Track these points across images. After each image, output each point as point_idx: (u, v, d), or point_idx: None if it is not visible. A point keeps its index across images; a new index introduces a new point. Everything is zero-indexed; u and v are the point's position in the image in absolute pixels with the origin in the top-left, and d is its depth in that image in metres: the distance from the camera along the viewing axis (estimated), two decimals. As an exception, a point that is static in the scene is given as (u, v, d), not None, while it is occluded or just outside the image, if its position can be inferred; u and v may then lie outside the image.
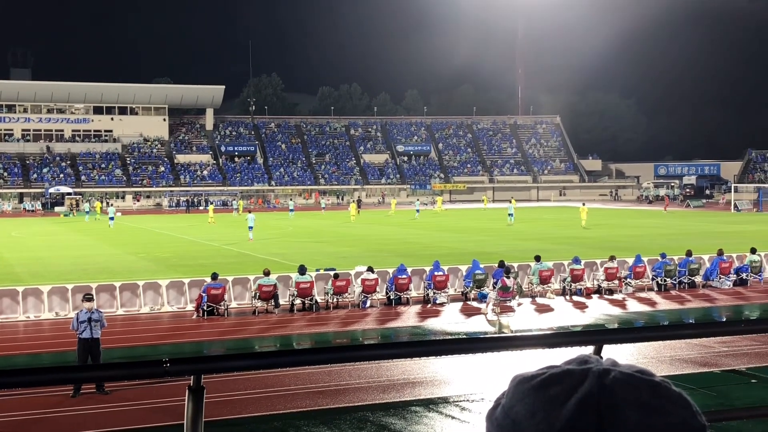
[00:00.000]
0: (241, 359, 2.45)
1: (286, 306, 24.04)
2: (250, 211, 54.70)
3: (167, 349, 19.47)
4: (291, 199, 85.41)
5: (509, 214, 61.86)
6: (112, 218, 63.56)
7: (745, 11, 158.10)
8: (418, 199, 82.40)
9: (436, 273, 25.07)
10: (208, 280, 23.68)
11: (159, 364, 2.52)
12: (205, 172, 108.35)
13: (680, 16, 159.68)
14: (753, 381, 15.62)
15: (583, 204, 62.42)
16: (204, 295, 23.16)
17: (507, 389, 1.27)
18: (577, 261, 26.71)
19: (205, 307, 23.11)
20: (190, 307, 23.83)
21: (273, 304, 23.70)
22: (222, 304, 23.34)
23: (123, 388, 15.13)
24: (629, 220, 63.11)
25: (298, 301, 23.97)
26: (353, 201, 76.36)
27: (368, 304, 24.30)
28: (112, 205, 78.08)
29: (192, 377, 2.61)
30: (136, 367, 2.78)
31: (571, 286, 26.15)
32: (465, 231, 53.07)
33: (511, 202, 69.67)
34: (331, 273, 25.20)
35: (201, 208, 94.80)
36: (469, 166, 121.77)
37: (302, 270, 24.38)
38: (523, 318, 22.52)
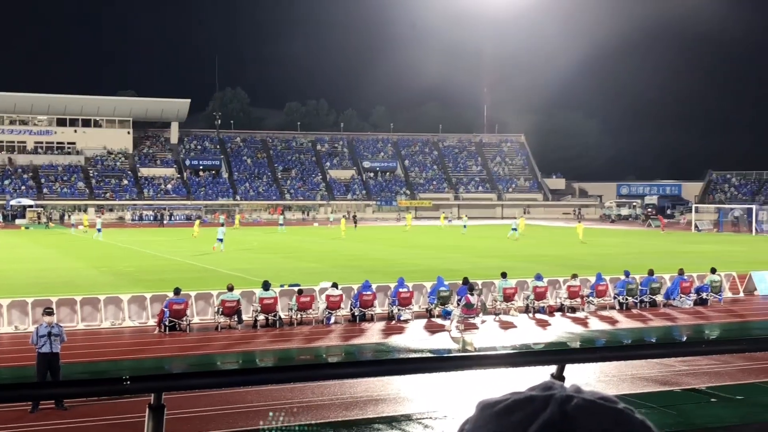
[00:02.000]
0: (201, 377, 2.42)
1: (249, 322, 23.87)
2: (222, 224, 55.58)
3: (128, 365, 19.22)
4: (280, 214, 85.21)
5: (513, 229, 64.83)
6: (99, 230, 63.19)
7: (708, 35, 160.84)
8: (465, 215, 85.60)
9: (400, 289, 25.06)
10: (171, 294, 23.46)
11: (119, 382, 2.50)
12: (169, 186, 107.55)
13: (645, 38, 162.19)
14: (712, 400, 15.79)
15: (579, 221, 69.87)
16: (166, 310, 22.93)
17: (472, 415, 1.27)
18: (539, 278, 26.87)
19: (167, 323, 22.88)
20: (152, 322, 23.58)
21: (236, 319, 23.53)
22: (184, 319, 23.11)
23: (82, 403, 14.90)
24: (592, 238, 63.64)
25: (261, 317, 23.81)
26: (344, 216, 76.39)
27: (332, 320, 24.21)
28: (100, 216, 77.21)
29: (152, 395, 2.58)
30: (95, 384, 2.75)
31: (534, 303, 26.28)
32: (430, 248, 53.17)
33: (516, 218, 74.89)
34: (296, 289, 25.09)
35: (166, 221, 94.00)
36: (435, 183, 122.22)
37: (266, 285, 24.25)
38: (486, 335, 22.58)
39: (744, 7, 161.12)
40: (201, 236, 60.85)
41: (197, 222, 67.91)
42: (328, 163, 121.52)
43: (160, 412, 2.55)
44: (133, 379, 2.47)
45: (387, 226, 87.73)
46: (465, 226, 74.04)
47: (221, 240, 49.30)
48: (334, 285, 24.98)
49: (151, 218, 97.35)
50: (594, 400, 1.19)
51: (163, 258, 44.72)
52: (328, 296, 24.35)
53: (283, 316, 24.07)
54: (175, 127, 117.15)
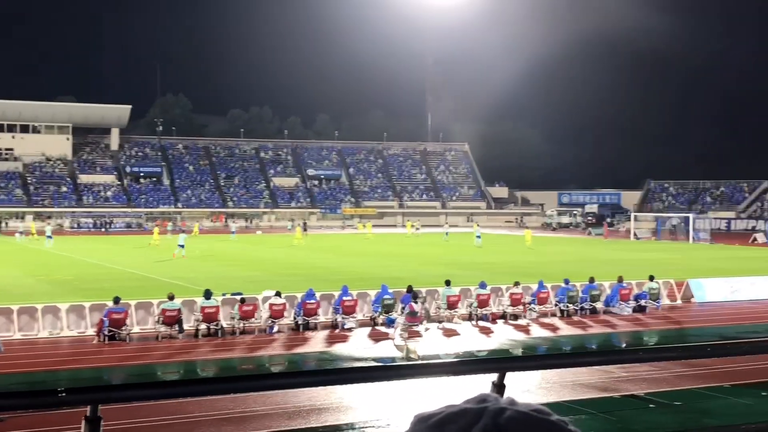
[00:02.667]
0: (138, 389, 2.38)
1: (190, 331, 23.59)
2: (183, 231, 55.78)
3: (66, 375, 18.84)
4: (233, 222, 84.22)
5: (477, 236, 65.92)
6: (50, 237, 61.93)
7: (646, 50, 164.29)
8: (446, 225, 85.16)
9: (344, 298, 25.02)
10: (110, 304, 23.07)
11: (54, 394, 2.44)
12: (109, 193, 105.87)
13: (586, 51, 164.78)
14: (651, 406, 16.06)
15: (528, 228, 74.56)
16: (105, 319, 22.54)
17: (407, 429, 1.28)
18: (483, 286, 27.06)
19: (106, 332, 22.49)
20: (91, 331, 23.15)
21: (177, 329, 23.23)
22: (124, 328, 22.75)
23: (19, 414, 14.55)
24: (534, 246, 64.36)
25: (203, 326, 23.55)
26: (299, 224, 75.90)
27: (275, 329, 24.06)
28: (50, 224, 75.51)
29: (88, 407, 2.53)
30: (30, 396, 2.68)
31: (477, 311, 26.45)
32: (375, 256, 53.21)
33: (474, 226, 75.48)
34: (238, 297, 24.88)
35: (103, 230, 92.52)
36: (379, 191, 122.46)
37: (208, 294, 24.00)
38: (430, 343, 22.65)
39: (680, 24, 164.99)
40: (162, 244, 60.20)
41: (156, 230, 66.60)
42: (271, 171, 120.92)
43: (96, 424, 2.51)
44: (68, 391, 2.42)
45: (343, 234, 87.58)
46: (447, 234, 74.66)
47: (182, 246, 50.15)
48: (278, 293, 24.84)
49: (91, 226, 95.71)
50: (527, 412, 1.20)
51: (104, 266, 43.97)
52: (271, 305, 24.19)
53: (225, 325, 23.84)
54: (115, 133, 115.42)
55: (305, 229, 78.15)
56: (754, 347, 3.53)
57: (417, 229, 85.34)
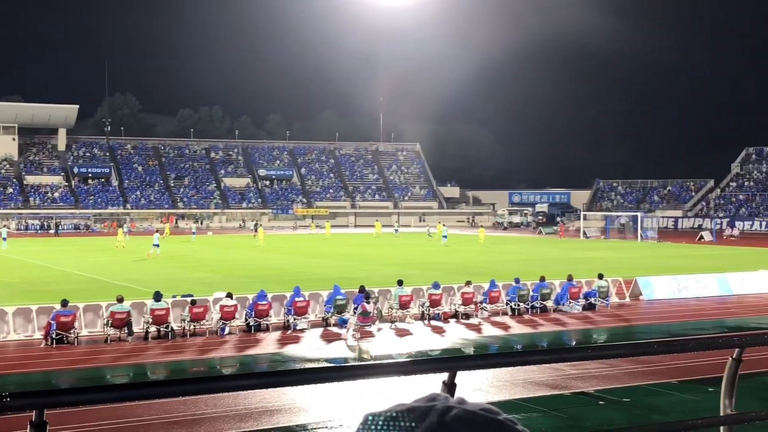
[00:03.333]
0: (85, 393, 2.34)
1: (140, 334, 23.31)
2: (157, 230, 58.15)
3: (13, 380, 18.48)
4: (193, 224, 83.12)
5: (444, 236, 66.71)
6: (4, 239, 60.78)
7: (594, 51, 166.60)
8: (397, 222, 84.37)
9: (296, 299, 24.93)
10: (58, 306, 22.69)
11: (-3, 399, 2.39)
12: (56, 194, 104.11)
13: (536, 53, 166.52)
14: (600, 403, 16.28)
15: (482, 226, 78.27)
16: (53, 322, 22.16)
17: (357, 428, 1.28)
18: (436, 286, 27.16)
19: (54, 335, 22.11)
20: (38, 335, 22.74)
21: (126, 331, 22.94)
22: (72, 332, 22.39)
23: (-39, 422, 14.23)
24: (485, 245, 64.83)
25: (153, 329, 23.29)
26: (260, 224, 75.23)
27: (227, 331, 23.89)
28: (5, 226, 73.68)
29: (34, 412, 2.49)
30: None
31: (429, 310, 26.55)
32: (327, 256, 53.12)
33: (438, 226, 75.34)
34: (188, 299, 24.64)
35: (51, 231, 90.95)
36: (331, 191, 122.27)
37: (158, 296, 23.74)
38: (382, 343, 22.68)
39: (628, 27, 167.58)
40: (127, 245, 59.56)
41: (121, 231, 65.37)
42: (222, 171, 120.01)
43: (42, 429, 2.46)
44: (12, 396, 2.37)
45: (296, 235, 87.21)
46: (445, 236, 66.99)
47: (157, 245, 51.45)
48: (229, 295, 24.67)
49: (38, 227, 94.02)
50: (474, 411, 1.20)
51: (51, 269, 43.23)
52: (222, 306, 24.02)
53: (175, 328, 23.60)
54: (62, 133, 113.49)
55: (256, 229, 77.71)
56: (701, 344, 3.60)
57: (396, 230, 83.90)
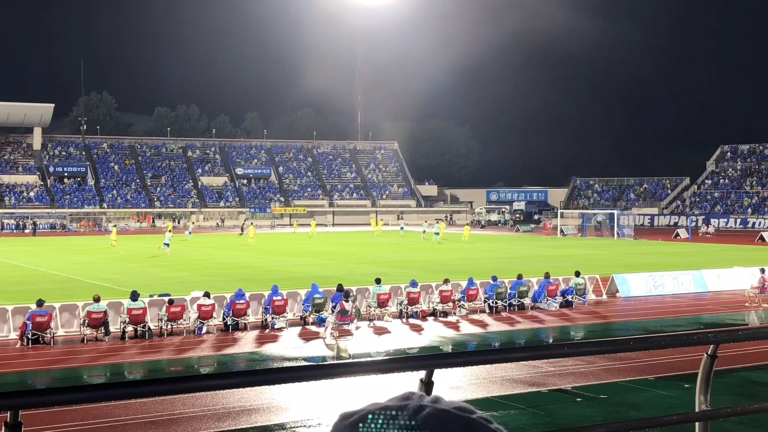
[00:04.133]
0: (60, 393, 2.32)
1: (117, 334, 23.17)
2: (170, 230, 59.39)
3: (-14, 382, 18.29)
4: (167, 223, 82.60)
5: (435, 233, 67.65)
6: None
7: (570, 51, 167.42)
8: (425, 221, 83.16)
9: (274, 297, 24.88)
10: (33, 306, 22.50)
11: (-29, 400, 2.37)
12: (31, 194, 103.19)
13: (513, 51, 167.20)
14: (578, 399, 16.37)
15: (467, 224, 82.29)
16: (29, 322, 21.97)
17: (332, 427, 1.29)
18: (414, 284, 27.19)
19: (29, 336, 21.93)
20: (14, 335, 22.55)
21: (103, 331, 22.79)
22: (48, 332, 22.21)
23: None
24: (463, 243, 65.02)
25: (129, 329, 23.16)
26: (251, 224, 74.93)
27: (204, 330, 23.80)
28: None
29: (9, 412, 2.46)
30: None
31: (407, 309, 26.59)
32: (306, 255, 53.06)
33: (441, 225, 74.93)
34: (166, 299, 24.52)
35: (27, 231, 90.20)
36: (309, 190, 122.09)
37: (134, 296, 23.61)
38: (361, 341, 22.69)
39: (602, 25, 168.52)
40: (119, 245, 59.29)
41: (114, 230, 65.26)
42: (199, 170, 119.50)
43: (17, 430, 2.44)
44: (-15, 397, 2.35)
45: (273, 233, 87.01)
46: (437, 234, 69.25)
47: (167, 244, 53.50)
48: (206, 294, 24.57)
49: (13, 227, 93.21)
50: (447, 410, 1.20)
51: (26, 269, 42.85)
52: (199, 306, 23.92)
53: (152, 327, 23.48)
54: (38, 132, 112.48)
55: (242, 230, 77.52)
56: (677, 341, 3.62)
57: (402, 228, 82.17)
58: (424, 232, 73.64)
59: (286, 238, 75.72)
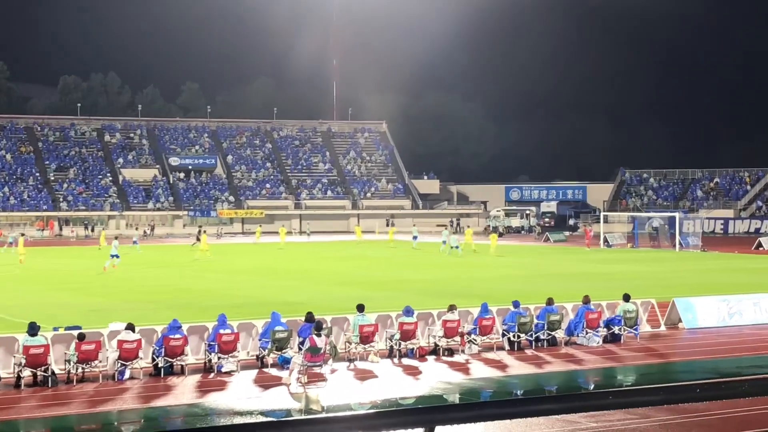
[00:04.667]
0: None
1: (10, 380, 23.07)
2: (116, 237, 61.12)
3: None
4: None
5: (453, 247, 67.80)
6: None
7: (621, 4, 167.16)
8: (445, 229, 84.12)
9: (221, 331, 24.80)
10: None
11: None
12: None
13: (543, 5, 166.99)
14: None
15: (493, 232, 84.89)
16: None
17: None
18: (408, 313, 27.12)
19: None
20: None
21: (-9, 377, 22.69)
22: None
23: None
24: (471, 258, 65.01)
25: (27, 373, 23.05)
26: (204, 231, 75.49)
27: (127, 374, 23.70)
28: None
29: None
30: None
31: (400, 345, 26.53)
32: (264, 273, 52.93)
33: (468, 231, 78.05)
34: (75, 333, 24.42)
35: None
36: (268, 186, 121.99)
37: (33, 329, 23.49)
38: (338, 389, 22.64)
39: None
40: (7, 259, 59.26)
41: (21, 240, 65.39)
42: (120, 160, 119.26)
43: None
44: None
45: (222, 244, 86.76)
46: (415, 237, 76.35)
47: (117, 256, 54.62)
48: (130, 327, 24.46)
49: None
50: None
51: None
52: (120, 342, 23.83)
53: (57, 371, 23.37)
54: None
55: (198, 239, 77.44)
56: (759, 387, 3.61)
57: (415, 238, 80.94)
58: (443, 243, 70.94)
59: (241, 251, 75.58)
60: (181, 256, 67.33)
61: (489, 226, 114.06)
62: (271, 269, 56.17)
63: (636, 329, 29.79)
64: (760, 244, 78.32)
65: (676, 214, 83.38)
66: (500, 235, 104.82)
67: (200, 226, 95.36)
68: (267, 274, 52.24)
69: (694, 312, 32.79)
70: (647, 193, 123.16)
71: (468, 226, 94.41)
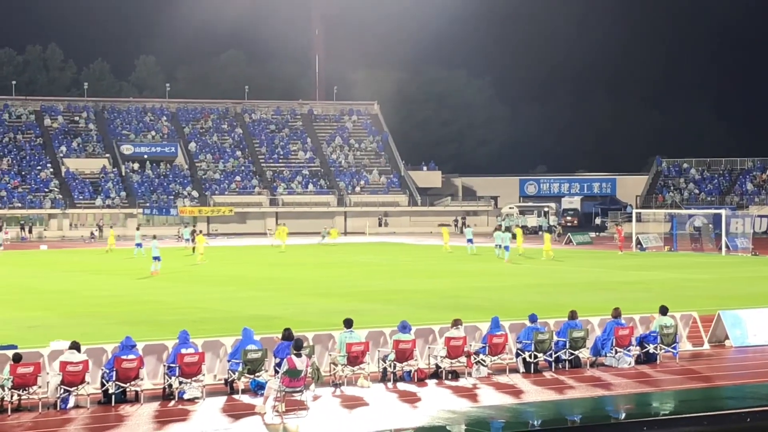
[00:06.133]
0: None
1: (-68, 409, 23.06)
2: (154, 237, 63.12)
3: None
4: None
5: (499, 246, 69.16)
6: None
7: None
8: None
9: (183, 350, 24.78)
10: None
11: None
12: None
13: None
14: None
15: (518, 226, 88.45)
16: None
17: None
18: (405, 328, 27.12)
19: None
20: None
21: None
22: None
23: None
24: (480, 264, 65.00)
25: (-48, 401, 23.04)
26: (198, 232, 75.74)
27: (71, 402, 23.68)
28: None
29: None
30: None
31: (395, 367, 26.53)
32: (232, 282, 52.88)
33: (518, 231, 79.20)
34: (10, 353, 24.40)
35: None
36: (238, 179, 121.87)
37: (-39, 349, 23.48)
38: (322, 420, 22.66)
39: None
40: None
41: (112, 233, 66.93)
42: (63, 148, 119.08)
43: None
44: None
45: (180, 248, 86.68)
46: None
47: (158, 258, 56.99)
48: (74, 346, 24.43)
49: None
50: None
51: None
52: (63, 364, 23.80)
53: (-11, 399, 23.36)
54: None
55: (192, 239, 77.63)
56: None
57: (470, 242, 79.19)
58: (498, 246, 70.46)
59: (219, 257, 75.52)
60: (203, 257, 67.14)
61: (500, 225, 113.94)
62: (241, 278, 56.08)
63: (675, 347, 29.81)
64: (820, 247, 78.46)
65: (722, 212, 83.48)
66: (513, 236, 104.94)
67: (194, 227, 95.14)
68: (235, 284, 52.15)
69: (744, 327, 32.81)
70: (688, 186, 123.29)
71: (517, 225, 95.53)
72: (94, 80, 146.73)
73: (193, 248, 74.11)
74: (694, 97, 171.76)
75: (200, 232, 77.24)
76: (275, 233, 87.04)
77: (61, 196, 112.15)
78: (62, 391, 23.72)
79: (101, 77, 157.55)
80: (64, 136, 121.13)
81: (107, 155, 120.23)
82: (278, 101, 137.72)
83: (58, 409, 23.51)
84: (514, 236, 73.78)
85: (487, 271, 59.69)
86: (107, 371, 24.33)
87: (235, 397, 24.78)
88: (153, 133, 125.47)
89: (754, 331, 32.79)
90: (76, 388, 23.86)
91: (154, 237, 63.88)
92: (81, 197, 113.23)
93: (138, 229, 76.90)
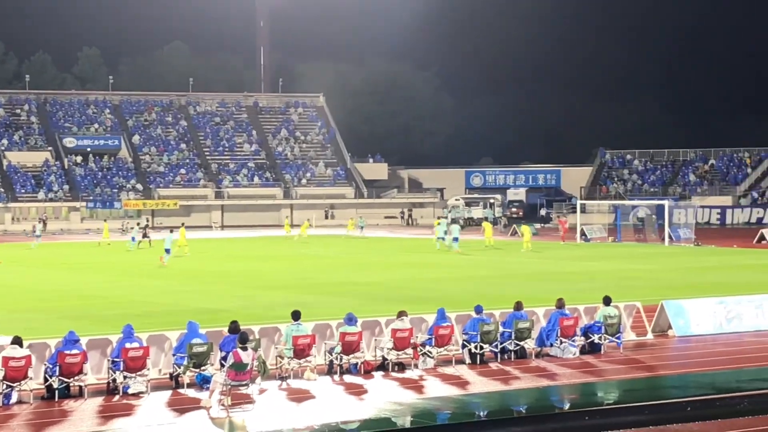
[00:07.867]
0: None
1: None
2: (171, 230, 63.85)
3: None
4: None
5: (455, 239, 68.97)
6: None
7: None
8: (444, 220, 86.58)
9: (128, 345, 24.65)
10: None
11: None
12: None
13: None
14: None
15: (485, 220, 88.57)
16: None
17: None
18: (351, 321, 27.11)
19: None
20: None
21: None
22: None
23: None
24: (426, 255, 65.10)
25: None
26: (181, 225, 75.32)
27: (14, 398, 23.52)
28: None
29: None
30: None
31: (341, 359, 26.52)
32: (176, 276, 52.67)
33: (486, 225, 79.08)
34: (-49, 349, 24.20)
35: None
36: (183, 171, 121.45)
37: None
38: (268, 413, 22.61)
39: None
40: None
41: (105, 226, 67.00)
42: (4, 141, 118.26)
43: None
44: None
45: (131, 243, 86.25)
46: (456, 238, 72.45)
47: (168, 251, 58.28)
48: (16, 341, 24.25)
49: None
50: None
51: None
52: (5, 359, 23.63)
53: (-71, 395, 23.15)
54: None
55: (145, 235, 77.14)
56: (760, 403, 3.64)
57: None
58: (439, 239, 71.86)
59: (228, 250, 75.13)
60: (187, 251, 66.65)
61: (447, 216, 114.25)
62: (186, 271, 55.87)
63: (619, 337, 29.99)
64: (762, 237, 79.11)
65: (665, 202, 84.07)
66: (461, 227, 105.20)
67: (182, 223, 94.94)
68: (180, 278, 51.95)
69: (687, 317, 33.07)
70: (631, 177, 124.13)
71: (486, 219, 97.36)
72: (35, 73, 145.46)
73: (149, 242, 75.36)
74: (639, 90, 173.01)
75: (182, 224, 76.89)
76: (300, 230, 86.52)
77: (2, 190, 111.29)
78: (5, 386, 23.54)
79: (43, 70, 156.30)
80: (5, 129, 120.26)
81: (50, 148, 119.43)
82: (223, 93, 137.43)
83: (1, 405, 23.32)
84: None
85: (433, 263, 59.79)
86: (50, 366, 24.17)
87: (181, 391, 24.68)
88: (96, 125, 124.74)
89: (697, 320, 33.06)
90: (18, 383, 23.69)
91: (171, 231, 64.31)
92: (23, 191, 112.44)
93: (138, 225, 76.79)
